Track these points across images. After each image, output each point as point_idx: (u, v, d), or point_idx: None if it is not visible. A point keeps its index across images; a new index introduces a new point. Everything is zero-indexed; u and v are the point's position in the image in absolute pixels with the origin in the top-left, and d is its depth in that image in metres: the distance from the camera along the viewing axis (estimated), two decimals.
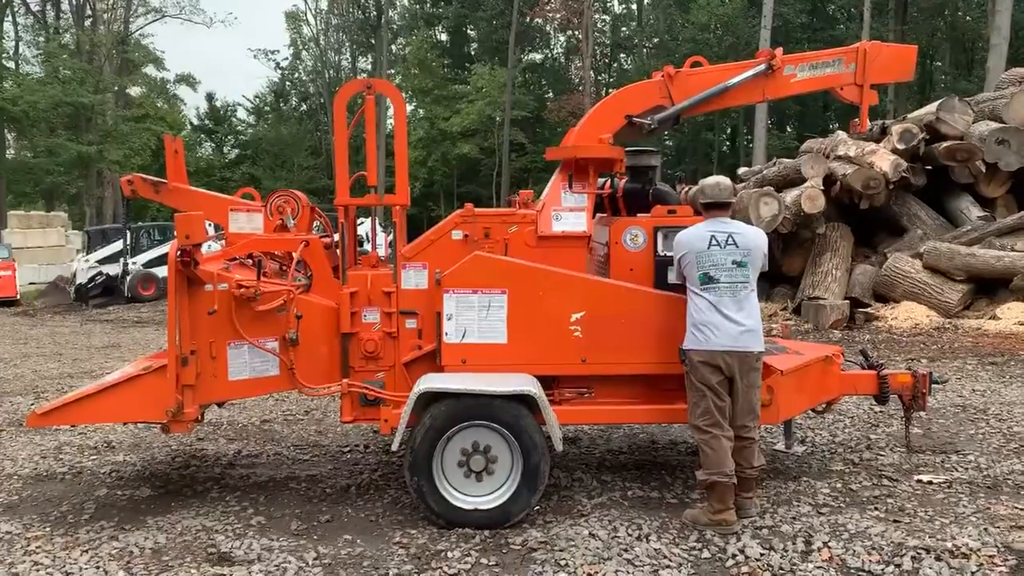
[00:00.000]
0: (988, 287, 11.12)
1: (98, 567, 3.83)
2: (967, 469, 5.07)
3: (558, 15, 39.47)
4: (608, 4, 45.87)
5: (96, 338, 13.41)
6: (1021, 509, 4.36)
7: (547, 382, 4.43)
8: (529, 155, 39.70)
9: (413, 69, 45.45)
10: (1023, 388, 7.43)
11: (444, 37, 49.27)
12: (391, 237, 5.04)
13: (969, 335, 9.95)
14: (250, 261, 4.66)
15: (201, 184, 23.27)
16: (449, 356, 4.38)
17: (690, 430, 4.34)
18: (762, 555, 3.80)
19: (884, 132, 12.55)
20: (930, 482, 4.82)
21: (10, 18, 39.43)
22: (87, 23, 38.57)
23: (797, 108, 37.68)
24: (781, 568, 3.68)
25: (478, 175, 43.07)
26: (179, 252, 4.14)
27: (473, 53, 47.43)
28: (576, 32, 39.08)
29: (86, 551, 4.01)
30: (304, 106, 53.21)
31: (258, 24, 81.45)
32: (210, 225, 5.03)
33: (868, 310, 11.37)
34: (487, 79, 38.90)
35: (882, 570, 3.64)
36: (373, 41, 45.18)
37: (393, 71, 45.01)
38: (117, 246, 20.31)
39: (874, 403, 5.38)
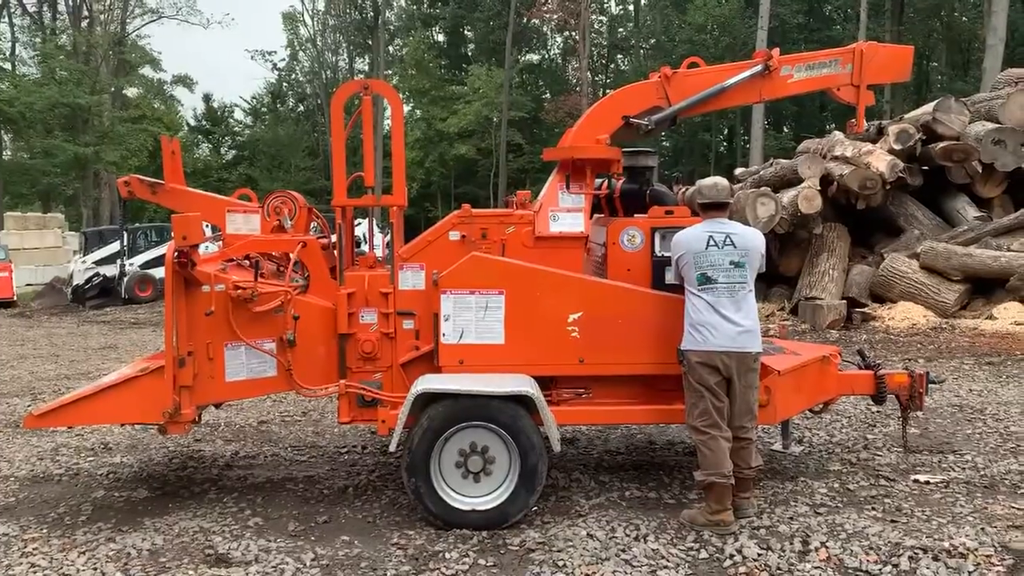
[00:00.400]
0: (985, 287, 11.14)
1: (95, 569, 3.83)
2: (964, 469, 5.08)
3: (555, 16, 39.43)
4: (605, 5, 45.90)
5: (93, 339, 13.39)
6: (1018, 508, 4.37)
7: (545, 383, 4.43)
8: (526, 156, 39.71)
9: (410, 70, 45.42)
10: (1020, 388, 7.44)
11: (441, 38, 49.28)
12: (388, 238, 5.04)
13: (966, 335, 9.96)
14: (247, 262, 4.66)
15: (198, 185, 23.26)
16: (447, 357, 4.38)
17: (688, 431, 4.35)
18: (760, 555, 3.81)
19: (881, 132, 12.57)
20: (927, 482, 4.82)
21: (6, 19, 39.42)
22: (84, 24, 38.48)
23: (794, 109, 37.71)
24: (779, 568, 3.68)
25: (475, 176, 43.07)
26: (176, 253, 4.14)
27: (470, 54, 47.43)
28: (573, 33, 39.08)
29: (83, 553, 4.01)
30: (301, 107, 53.20)
31: (255, 25, 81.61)
32: (207, 226, 5.02)
33: (865, 310, 11.38)
34: (484, 80, 38.89)
35: (879, 570, 3.65)
36: (370, 42, 45.16)
37: (390, 72, 44.98)
38: (114, 247, 20.28)
39: (871, 403, 5.38)
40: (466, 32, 47.93)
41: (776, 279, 12.91)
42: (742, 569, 3.70)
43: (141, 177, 5.29)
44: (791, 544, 3.92)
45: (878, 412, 6.37)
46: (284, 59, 51.64)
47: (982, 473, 4.99)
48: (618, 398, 4.56)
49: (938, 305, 10.94)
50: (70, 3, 38.58)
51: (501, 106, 38.00)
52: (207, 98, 52.33)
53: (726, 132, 41.24)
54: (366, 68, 47.92)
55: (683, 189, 12.69)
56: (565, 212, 4.66)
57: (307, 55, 51.41)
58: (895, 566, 3.67)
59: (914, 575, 3.61)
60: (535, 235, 4.61)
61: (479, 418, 4.14)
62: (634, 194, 5.08)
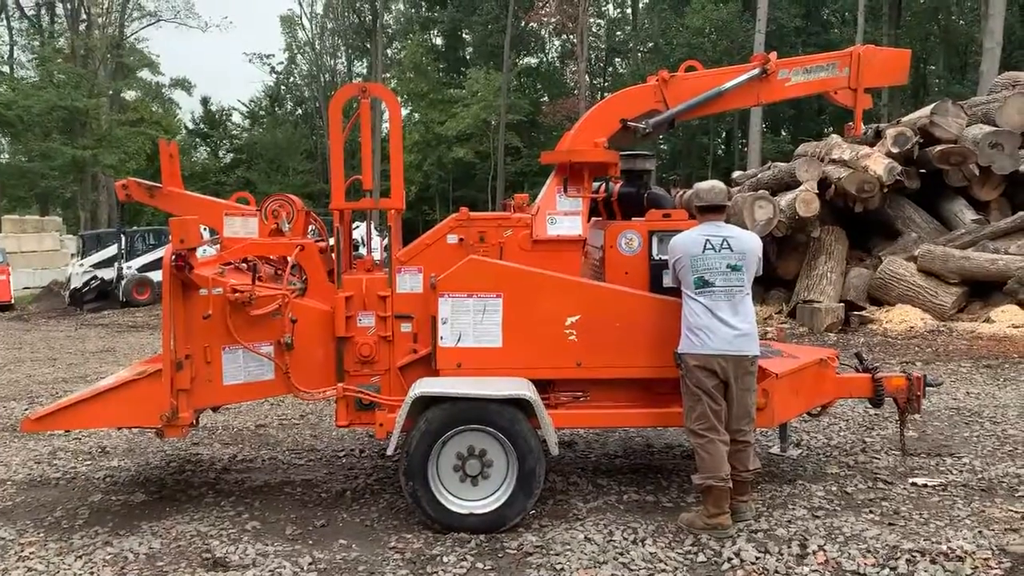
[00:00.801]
0: (982, 290, 11.14)
1: (92, 573, 3.82)
2: (962, 472, 5.08)
3: (553, 19, 39.45)
4: (603, 8, 45.94)
5: (91, 343, 13.37)
6: (1016, 512, 4.37)
7: (543, 386, 4.43)
8: (524, 159, 39.69)
9: (408, 73, 45.41)
10: (1017, 391, 7.44)
11: (439, 41, 49.28)
12: (386, 241, 5.04)
13: (963, 338, 9.97)
14: (245, 265, 4.65)
15: (196, 188, 23.16)
16: (444, 360, 4.37)
17: (686, 434, 4.35)
18: (757, 559, 3.81)
19: (878, 136, 12.58)
20: (925, 485, 4.83)
21: (4, 22, 39.42)
22: (82, 27, 38.46)
23: (792, 112, 37.74)
24: (777, 571, 3.68)
25: (473, 179, 43.06)
26: (174, 256, 4.14)
27: (468, 57, 47.43)
28: (571, 36, 39.07)
29: (80, 557, 4.00)
30: (299, 110, 53.19)
31: (253, 28, 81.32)
32: (205, 229, 5.02)
33: (863, 313, 11.39)
34: (482, 83, 38.88)
35: (877, 573, 3.65)
36: (368, 45, 45.17)
37: (388, 75, 44.98)
38: (112, 250, 20.25)
39: (869, 406, 5.38)
40: (464, 35, 47.95)
41: (774, 282, 12.91)
42: (740, 573, 3.69)
43: (139, 180, 5.29)
44: (789, 547, 3.92)
45: (876, 415, 6.37)
46: (282, 62, 51.70)
47: (980, 476, 5.00)
48: (616, 401, 4.56)
49: (936, 308, 10.95)
50: (68, 6, 38.55)
51: (499, 109, 38.00)
52: (205, 101, 52.37)
53: (724, 135, 41.25)
54: (364, 71, 47.96)
55: (681, 192, 12.71)
56: (563, 215, 4.67)
57: (305, 58, 51.46)
58: (893, 569, 3.67)
59: None
60: (533, 238, 4.62)
61: (477, 421, 4.14)
62: (632, 197, 5.08)
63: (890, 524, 4.21)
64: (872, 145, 12.42)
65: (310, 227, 5.13)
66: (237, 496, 4.88)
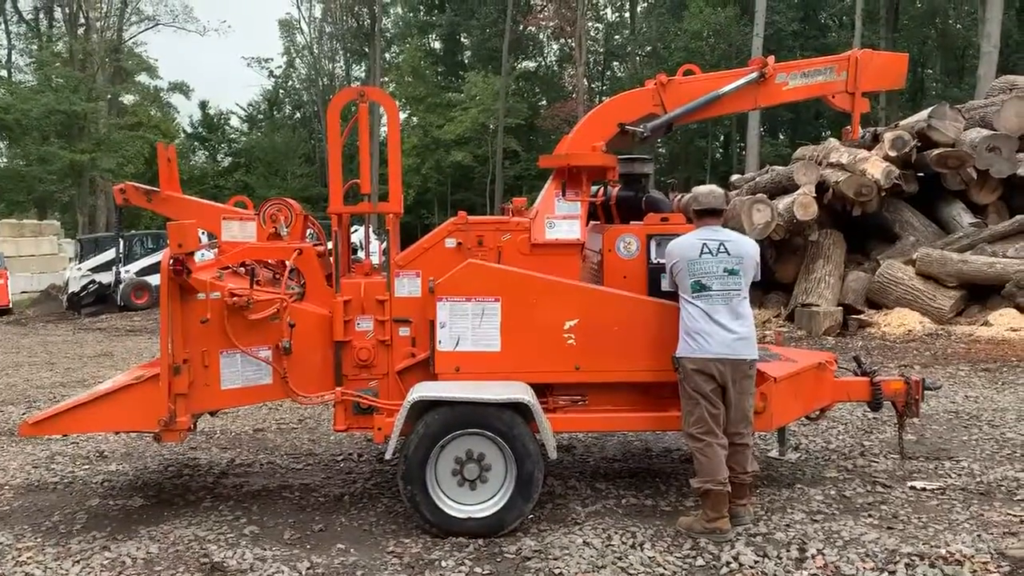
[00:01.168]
0: (980, 293, 11.15)
1: None
2: (960, 475, 5.08)
3: (551, 23, 39.53)
4: (601, 12, 46.02)
5: (88, 347, 13.35)
6: (1014, 515, 4.37)
7: (541, 390, 4.43)
8: (523, 163, 39.72)
9: (407, 77, 45.46)
10: (1015, 394, 7.45)
11: (438, 45, 49.34)
12: (384, 245, 5.04)
13: (962, 341, 9.98)
14: (243, 270, 4.65)
15: (194, 192, 23.20)
16: (443, 364, 4.37)
17: (684, 438, 4.34)
18: (756, 562, 3.80)
19: (876, 139, 12.60)
20: (924, 489, 4.83)
21: (3, 26, 39.42)
22: (80, 31, 38.49)
23: (790, 115, 37.79)
24: (775, 575, 3.68)
25: (472, 183, 43.08)
26: (172, 260, 4.13)
27: (467, 61, 47.48)
28: (569, 40, 39.13)
29: (78, 561, 3.99)
30: (298, 114, 53.19)
31: (252, 32, 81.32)
32: (203, 233, 5.02)
33: (861, 317, 11.39)
34: (481, 87, 38.93)
35: None
36: (367, 49, 45.18)
37: (387, 79, 45.01)
38: (110, 254, 20.21)
39: (867, 410, 5.38)
40: (462, 39, 48.00)
41: (772, 286, 12.92)
42: None
43: (137, 184, 5.30)
44: (788, 551, 3.92)
45: (874, 419, 6.37)
46: (281, 66, 51.72)
47: (978, 480, 5.00)
48: (614, 405, 4.56)
49: (934, 311, 10.95)
50: (67, 10, 38.59)
51: (497, 113, 38.03)
52: (203, 105, 52.34)
53: (722, 139, 41.30)
54: (363, 75, 47.97)
55: (679, 196, 12.71)
56: (561, 219, 4.67)
57: (304, 62, 51.47)
58: (891, 573, 3.67)
59: None
60: (531, 242, 4.62)
61: (475, 425, 4.14)
62: (630, 201, 5.09)
63: (889, 528, 4.21)
64: (870, 149, 12.44)
65: (308, 231, 5.13)
66: (235, 500, 4.87)
